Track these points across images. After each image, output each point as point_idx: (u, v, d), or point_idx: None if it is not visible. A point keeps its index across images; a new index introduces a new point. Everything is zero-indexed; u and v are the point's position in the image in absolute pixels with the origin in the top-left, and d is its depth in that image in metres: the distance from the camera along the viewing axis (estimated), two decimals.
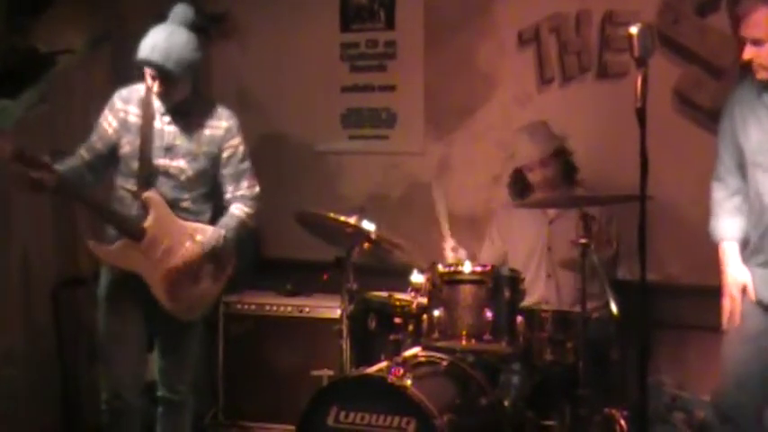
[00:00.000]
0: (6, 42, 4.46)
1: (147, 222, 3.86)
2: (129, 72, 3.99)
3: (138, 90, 3.93)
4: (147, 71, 3.83)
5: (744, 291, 3.64)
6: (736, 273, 3.67)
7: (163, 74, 3.80)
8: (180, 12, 3.91)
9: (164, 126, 3.91)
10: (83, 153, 3.93)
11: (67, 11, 4.74)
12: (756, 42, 3.49)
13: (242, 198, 4.07)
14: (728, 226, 3.72)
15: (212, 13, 5.44)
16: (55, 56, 4.63)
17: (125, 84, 4.02)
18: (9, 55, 4.47)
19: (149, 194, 3.87)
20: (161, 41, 3.80)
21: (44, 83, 4.55)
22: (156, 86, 3.84)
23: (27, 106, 4.47)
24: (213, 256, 4.00)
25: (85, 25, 4.91)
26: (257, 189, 4.11)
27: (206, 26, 5.30)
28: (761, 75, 3.54)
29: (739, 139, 3.64)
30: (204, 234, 3.97)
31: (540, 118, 4.68)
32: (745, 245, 3.69)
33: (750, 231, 3.67)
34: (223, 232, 4.01)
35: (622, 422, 4.01)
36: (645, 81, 3.07)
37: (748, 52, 3.53)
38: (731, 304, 3.65)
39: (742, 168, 3.68)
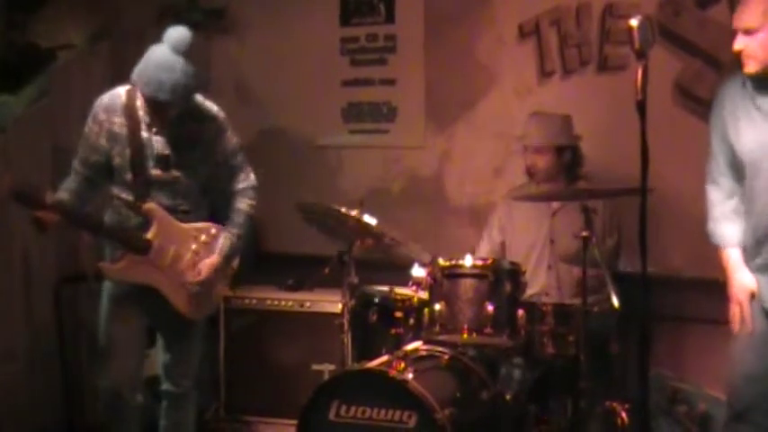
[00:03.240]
0: (5, 38, 4.45)
1: (151, 234, 3.84)
2: (127, 67, 3.96)
3: (119, 96, 3.85)
4: (157, 108, 3.76)
5: (751, 296, 3.62)
6: (742, 279, 3.64)
7: (175, 107, 3.76)
8: (175, 37, 3.73)
9: (151, 136, 3.84)
10: (78, 169, 3.87)
11: (65, 7, 4.74)
12: (748, 32, 3.45)
13: (242, 191, 4.06)
14: (729, 232, 3.70)
15: (210, 8, 5.44)
16: (55, 51, 4.63)
17: (124, 78, 3.96)
18: (8, 50, 4.47)
19: (150, 206, 3.83)
20: (168, 77, 3.66)
21: (44, 78, 4.55)
22: (167, 114, 3.78)
23: (27, 102, 4.47)
24: (229, 257, 4.02)
25: (84, 21, 4.91)
26: (253, 177, 4.09)
27: (204, 21, 5.30)
28: (749, 67, 3.49)
29: (731, 140, 3.62)
30: (207, 233, 3.97)
31: (539, 110, 4.66)
32: (743, 247, 3.67)
33: (747, 233, 3.65)
34: (236, 231, 4.02)
35: (623, 415, 4.01)
36: (645, 74, 3.05)
37: (739, 42, 3.49)
38: (740, 311, 3.63)
39: (735, 167, 3.66)
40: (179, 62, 3.69)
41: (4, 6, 4.49)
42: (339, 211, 4.09)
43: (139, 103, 3.83)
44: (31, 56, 4.53)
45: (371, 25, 5.34)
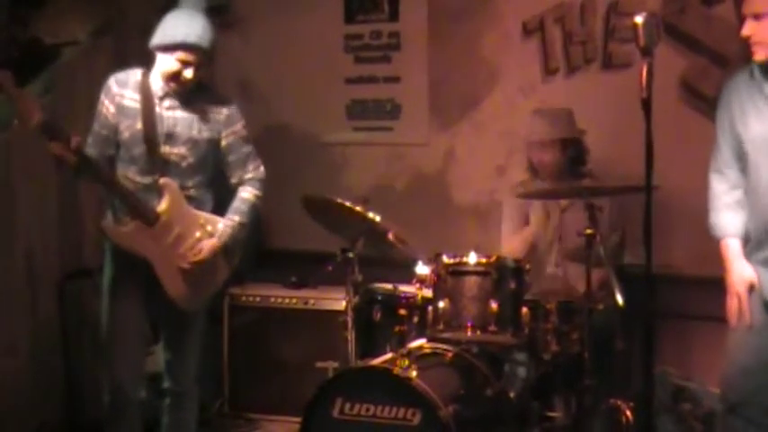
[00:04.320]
0: (9, 34, 4.45)
1: (161, 208, 3.83)
2: (130, 63, 3.97)
3: (134, 74, 3.88)
4: (180, 57, 3.78)
5: (750, 288, 3.60)
6: (741, 270, 3.62)
7: (201, 56, 3.80)
8: (194, 2, 3.90)
9: (162, 111, 3.86)
10: (91, 143, 3.84)
11: (69, 2, 4.74)
12: (757, 17, 3.45)
13: (250, 181, 4.05)
14: (729, 222, 3.67)
15: (214, 4, 5.42)
16: (59, 48, 4.62)
17: None
18: (12, 47, 4.46)
19: (165, 181, 3.84)
20: (194, 25, 3.80)
21: (48, 75, 4.55)
22: (190, 72, 3.79)
23: None
24: (228, 245, 4.00)
25: (87, 16, 4.90)
26: (263, 169, 4.08)
27: (207, 17, 5.30)
28: (758, 55, 3.49)
29: (738, 130, 3.60)
30: (214, 225, 3.96)
31: (540, 107, 4.65)
32: (746, 240, 3.66)
33: (750, 226, 3.63)
34: (237, 219, 3.99)
35: (627, 412, 4.00)
36: (650, 71, 3.05)
37: (748, 28, 3.48)
38: (738, 303, 3.61)
39: (741, 160, 3.65)
40: (199, 16, 3.85)
41: (8, 2, 4.48)
42: (344, 205, 4.08)
43: (154, 80, 3.86)
44: (34, 52, 4.52)
45: (375, 23, 5.35)
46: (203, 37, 3.79)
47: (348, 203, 4.08)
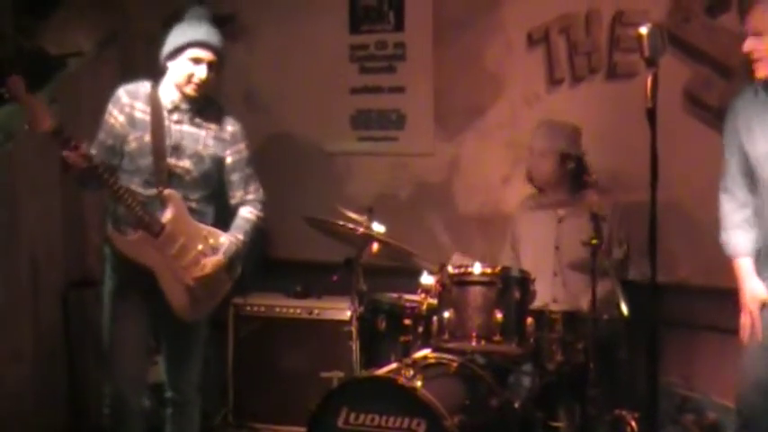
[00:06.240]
0: (15, 45, 4.47)
1: (165, 218, 3.86)
2: (135, 72, 3.98)
3: (144, 86, 3.90)
4: (192, 55, 3.82)
5: (763, 306, 3.61)
6: (754, 289, 3.63)
7: (212, 55, 3.85)
8: (198, 12, 3.95)
9: (171, 125, 3.89)
10: (96, 153, 3.83)
11: (74, 13, 4.76)
12: (757, 34, 3.45)
13: (252, 202, 4.09)
14: (741, 241, 3.68)
15: (219, 15, 5.44)
16: (65, 58, 4.64)
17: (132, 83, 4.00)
18: (19, 57, 4.48)
19: (169, 192, 3.87)
20: (202, 27, 3.87)
21: (53, 85, 4.56)
22: (203, 70, 3.83)
23: None
24: (232, 261, 4.02)
25: (93, 27, 4.92)
26: (262, 192, 4.14)
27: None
28: (759, 72, 3.49)
29: (745, 148, 3.60)
30: (216, 238, 3.97)
31: (550, 118, 4.65)
32: (756, 256, 3.66)
33: (759, 243, 3.64)
34: (241, 237, 4.04)
35: (632, 423, 3.99)
36: (655, 81, 3.06)
37: (748, 45, 3.48)
38: (751, 320, 3.62)
39: (749, 178, 3.65)
40: (206, 22, 3.93)
41: (13, 13, 4.50)
42: (346, 227, 4.10)
43: (163, 93, 3.89)
44: (40, 63, 4.54)
45: (381, 33, 5.35)
46: (213, 36, 3.87)
47: (350, 225, 4.09)
